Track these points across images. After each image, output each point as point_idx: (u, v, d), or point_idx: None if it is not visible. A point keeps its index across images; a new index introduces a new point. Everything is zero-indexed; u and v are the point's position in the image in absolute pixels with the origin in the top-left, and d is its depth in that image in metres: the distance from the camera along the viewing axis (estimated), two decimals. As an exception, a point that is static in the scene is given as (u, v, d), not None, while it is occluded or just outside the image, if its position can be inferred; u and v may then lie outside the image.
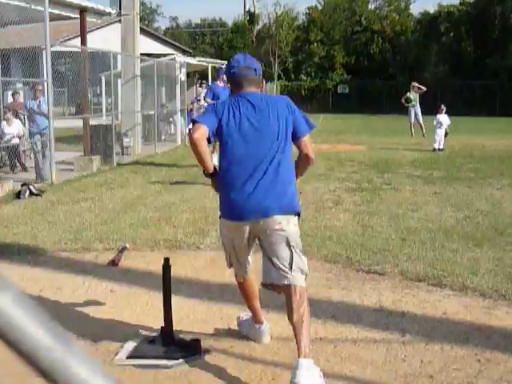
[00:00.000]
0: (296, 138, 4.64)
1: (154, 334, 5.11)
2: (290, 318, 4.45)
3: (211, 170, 4.63)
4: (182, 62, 25.34)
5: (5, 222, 9.62)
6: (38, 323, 0.36)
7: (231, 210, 4.53)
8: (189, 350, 4.83)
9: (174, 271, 5.22)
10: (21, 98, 17.95)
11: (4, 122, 15.86)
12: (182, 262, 7.23)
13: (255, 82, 4.77)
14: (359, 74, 62.81)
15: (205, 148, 4.51)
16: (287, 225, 4.57)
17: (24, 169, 15.87)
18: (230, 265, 5.03)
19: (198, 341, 4.93)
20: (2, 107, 17.53)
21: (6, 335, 0.34)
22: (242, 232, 4.59)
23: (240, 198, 4.43)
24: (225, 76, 15.92)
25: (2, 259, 7.58)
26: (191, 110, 27.62)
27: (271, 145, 4.48)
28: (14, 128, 15.79)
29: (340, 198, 11.51)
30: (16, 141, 15.51)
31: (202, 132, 4.44)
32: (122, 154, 19.59)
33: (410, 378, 4.39)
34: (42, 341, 0.35)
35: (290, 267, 4.53)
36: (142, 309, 5.81)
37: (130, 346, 4.98)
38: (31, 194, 11.97)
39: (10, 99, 19.03)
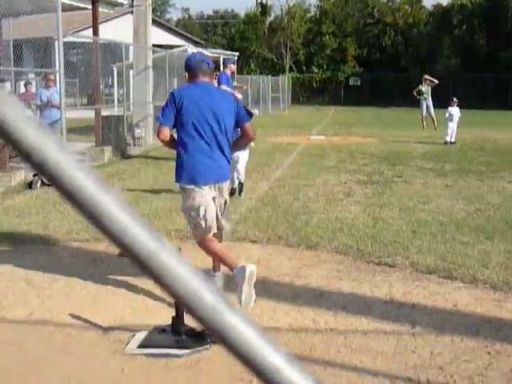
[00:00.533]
0: (240, 124, 5.85)
1: (165, 324, 5.13)
2: None
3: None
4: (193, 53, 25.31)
5: (17, 212, 9.66)
6: (136, 221, 0.41)
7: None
8: (199, 339, 4.85)
9: (185, 261, 5.23)
10: (33, 89, 17.96)
11: (16, 113, 15.88)
12: (192, 252, 7.25)
13: (208, 73, 5.86)
14: (371, 67, 62.66)
15: (170, 142, 5.81)
16: None
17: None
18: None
19: (208, 331, 4.95)
20: (14, 97, 17.57)
21: (109, 231, 0.41)
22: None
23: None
24: (232, 65, 16.08)
25: (15, 248, 7.62)
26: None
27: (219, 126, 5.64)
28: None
29: (351, 190, 11.51)
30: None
31: (165, 133, 5.70)
32: (134, 145, 19.61)
33: (419, 370, 4.39)
34: (140, 235, 0.41)
35: None
36: (152, 299, 5.83)
37: (141, 335, 5.01)
38: (43, 184, 12.01)
39: (22, 89, 19.07)
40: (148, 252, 0.44)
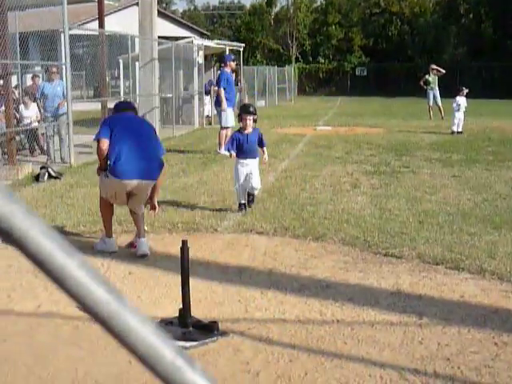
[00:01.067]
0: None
1: (172, 316, 5.15)
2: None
3: (104, 166, 7.07)
4: (199, 44, 25.30)
5: (24, 205, 9.68)
6: (99, 283, 0.43)
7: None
8: (206, 331, 4.87)
9: (192, 253, 5.25)
10: (40, 82, 17.97)
11: (22, 106, 15.92)
12: (199, 244, 7.27)
13: (133, 109, 7.80)
14: (377, 57, 62.54)
15: (105, 153, 6.98)
16: None
17: (43, 152, 15.94)
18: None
19: (215, 323, 4.97)
20: (20, 90, 17.62)
21: (74, 293, 0.43)
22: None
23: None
24: (232, 62, 16.51)
25: (22, 241, 7.64)
26: (209, 92, 27.59)
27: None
28: (32, 111, 15.85)
29: (358, 181, 11.50)
30: (34, 124, 15.57)
31: (105, 146, 6.97)
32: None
33: (426, 361, 4.40)
34: (101, 296, 0.43)
35: None
36: (160, 291, 5.85)
37: (149, 327, 5.01)
38: (50, 176, 12.04)
39: (29, 82, 19.08)
40: (109, 313, 0.46)
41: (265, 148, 9.36)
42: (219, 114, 16.37)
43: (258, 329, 5.03)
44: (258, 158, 9.21)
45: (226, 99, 15.93)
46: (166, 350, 0.50)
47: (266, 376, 4.21)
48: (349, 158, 14.78)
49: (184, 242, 4.96)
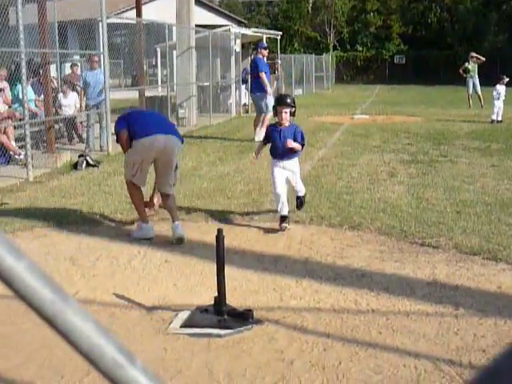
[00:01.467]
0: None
1: (208, 304, 5.18)
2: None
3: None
4: (236, 33, 25.29)
5: (63, 193, 9.80)
6: (45, 283, 0.45)
7: None
8: (241, 319, 4.89)
9: (228, 242, 5.27)
10: (79, 70, 18.12)
11: (61, 94, 16.08)
12: (235, 233, 7.29)
13: None
14: (416, 44, 61.90)
15: (126, 143, 7.30)
16: None
17: (81, 140, 16.09)
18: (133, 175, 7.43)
19: (250, 311, 4.99)
20: (59, 79, 17.78)
21: (22, 294, 0.46)
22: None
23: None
24: (264, 50, 16.74)
25: (60, 229, 7.74)
26: (247, 80, 27.56)
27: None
28: (71, 100, 16.00)
29: (395, 170, 11.42)
30: (73, 112, 15.72)
31: (125, 137, 7.27)
32: (178, 125, 19.72)
33: (462, 352, 4.37)
34: (46, 296, 0.46)
35: None
36: (195, 279, 5.88)
37: (184, 315, 5.06)
38: (88, 165, 12.16)
39: (68, 71, 19.25)
40: (54, 312, 0.48)
41: (300, 147, 7.73)
42: (256, 100, 16.44)
43: (293, 317, 5.04)
44: (297, 159, 7.86)
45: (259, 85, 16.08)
46: (107, 347, 0.51)
47: (300, 365, 4.22)
48: (386, 146, 14.68)
49: (219, 231, 4.97)
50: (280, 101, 7.90)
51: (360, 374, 4.09)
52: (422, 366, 4.17)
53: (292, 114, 7.80)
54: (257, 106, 16.63)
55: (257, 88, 16.40)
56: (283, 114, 7.67)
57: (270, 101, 15.34)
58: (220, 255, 4.93)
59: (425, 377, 4.04)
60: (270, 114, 15.22)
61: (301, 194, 8.02)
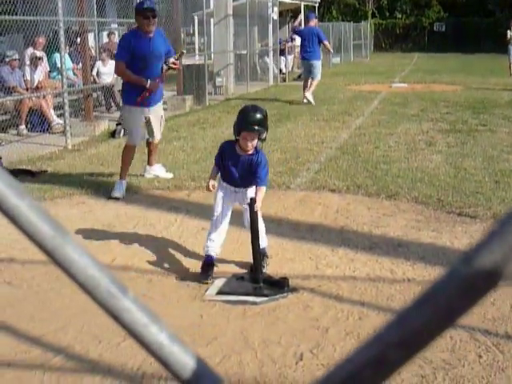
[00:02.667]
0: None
1: (243, 272, 5.21)
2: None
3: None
4: (274, 0, 25.11)
5: (101, 161, 9.89)
6: (46, 221, 0.51)
7: None
8: (277, 287, 4.92)
9: (264, 210, 5.29)
10: (116, 39, 18.15)
11: (99, 62, 16.14)
12: (272, 201, 7.30)
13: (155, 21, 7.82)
14: (456, 11, 60.79)
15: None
16: None
17: (119, 108, 16.15)
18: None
19: (285, 279, 5.01)
20: (97, 47, 17.85)
21: (25, 230, 0.51)
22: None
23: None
24: (315, 19, 17.87)
25: (98, 196, 7.82)
26: (283, 49, 27.41)
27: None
28: (110, 68, 16.05)
29: (433, 139, 11.31)
30: (111, 80, 15.78)
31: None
32: (215, 94, 19.72)
33: (498, 322, 4.35)
34: (47, 232, 0.51)
35: None
36: (231, 246, 5.91)
37: (220, 282, 5.10)
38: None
39: (105, 40, 19.31)
40: (53, 246, 0.55)
41: (260, 189, 5.18)
42: (309, 66, 17.54)
43: (328, 286, 5.05)
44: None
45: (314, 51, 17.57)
46: (101, 279, 0.56)
47: (335, 333, 4.24)
48: (424, 115, 14.53)
49: (252, 199, 4.98)
50: (246, 123, 5.17)
51: (395, 342, 4.09)
52: (458, 335, 4.16)
53: (261, 139, 5.27)
54: (308, 72, 17.60)
55: (313, 55, 17.43)
56: (248, 143, 5.17)
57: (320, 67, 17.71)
58: (255, 223, 4.94)
59: (460, 346, 4.04)
60: (319, 78, 17.52)
61: (263, 243, 5.35)
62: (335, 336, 4.20)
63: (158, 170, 8.81)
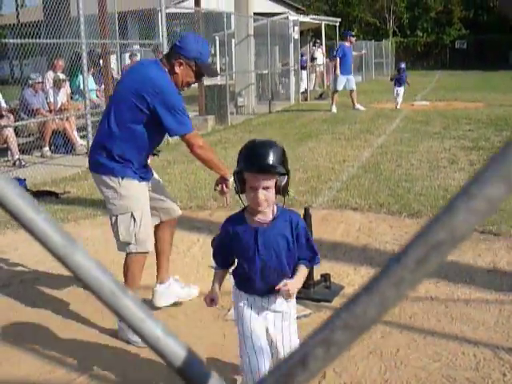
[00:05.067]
0: None
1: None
2: None
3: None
4: (294, 20, 25.22)
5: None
6: (57, 232, 0.63)
7: None
8: (297, 309, 4.92)
9: (285, 229, 5.29)
10: (137, 59, 18.32)
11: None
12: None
13: None
14: (478, 29, 60.70)
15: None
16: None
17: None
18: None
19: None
20: (120, 69, 18.01)
21: (40, 239, 0.62)
22: None
23: None
24: (352, 38, 19.57)
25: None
26: (305, 67, 27.48)
27: None
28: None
29: (455, 157, 11.27)
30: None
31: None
32: (237, 114, 19.81)
33: (522, 340, 4.32)
34: (59, 241, 0.57)
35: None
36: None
37: (242, 301, 5.10)
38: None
39: (127, 61, 19.49)
40: (64, 254, 0.62)
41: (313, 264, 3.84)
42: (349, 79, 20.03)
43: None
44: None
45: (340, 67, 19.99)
46: (104, 280, 0.63)
47: (358, 351, 4.23)
48: (446, 133, 14.49)
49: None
50: (251, 159, 3.20)
51: (418, 361, 4.08)
52: (482, 354, 4.13)
53: (281, 192, 3.39)
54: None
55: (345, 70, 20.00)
56: (259, 194, 3.21)
57: (341, 81, 19.89)
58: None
59: (484, 365, 4.01)
60: (338, 92, 19.90)
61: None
62: (358, 354, 4.19)
63: (176, 289, 5.38)
